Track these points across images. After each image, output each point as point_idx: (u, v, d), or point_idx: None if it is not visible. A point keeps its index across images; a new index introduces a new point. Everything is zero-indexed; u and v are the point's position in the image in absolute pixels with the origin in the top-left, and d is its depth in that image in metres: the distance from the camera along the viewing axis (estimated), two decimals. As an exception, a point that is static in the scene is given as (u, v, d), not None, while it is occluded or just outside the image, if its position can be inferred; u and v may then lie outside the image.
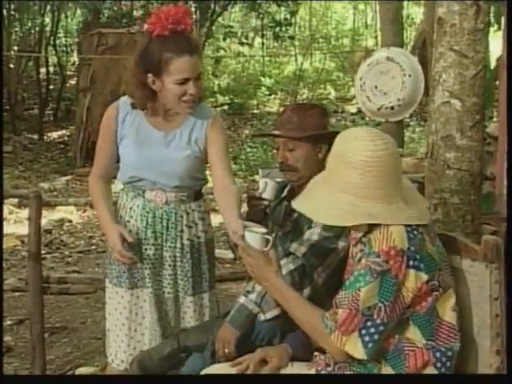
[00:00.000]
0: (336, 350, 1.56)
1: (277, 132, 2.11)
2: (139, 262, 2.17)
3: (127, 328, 2.21)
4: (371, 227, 1.60)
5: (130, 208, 2.20)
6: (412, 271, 1.53)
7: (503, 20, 2.31)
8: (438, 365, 1.59)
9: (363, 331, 1.52)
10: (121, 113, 2.17)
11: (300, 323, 1.66)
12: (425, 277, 1.54)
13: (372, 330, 1.52)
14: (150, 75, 2.05)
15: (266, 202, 2.06)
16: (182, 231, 2.18)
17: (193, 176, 2.19)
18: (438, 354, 1.59)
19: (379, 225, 1.57)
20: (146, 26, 2.09)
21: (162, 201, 2.16)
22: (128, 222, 2.20)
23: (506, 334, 1.60)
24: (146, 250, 2.17)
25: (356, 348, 1.53)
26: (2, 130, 8.18)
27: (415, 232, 1.57)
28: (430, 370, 1.59)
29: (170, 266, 2.19)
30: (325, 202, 1.60)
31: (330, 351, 1.61)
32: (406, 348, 1.58)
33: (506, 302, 1.61)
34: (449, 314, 1.60)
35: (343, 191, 1.58)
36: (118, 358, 2.24)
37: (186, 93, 2.04)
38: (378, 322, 1.52)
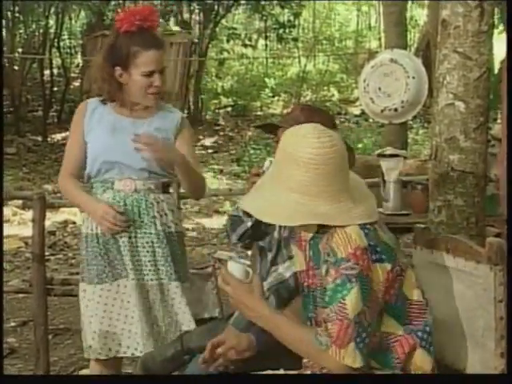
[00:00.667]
0: (335, 365, 1.51)
1: (280, 123, 2.11)
2: (117, 252, 2.22)
3: (106, 319, 2.23)
4: (319, 228, 1.59)
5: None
6: (377, 265, 1.52)
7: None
8: (423, 343, 1.58)
9: (358, 339, 1.50)
10: (89, 108, 2.27)
11: (293, 346, 1.58)
12: (388, 266, 1.53)
13: (364, 335, 1.50)
14: (117, 68, 2.18)
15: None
16: (154, 217, 2.24)
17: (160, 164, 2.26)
18: (419, 334, 1.58)
19: (326, 225, 1.56)
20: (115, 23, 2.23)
21: (131, 189, 2.23)
22: None
23: (506, 335, 1.59)
24: (122, 237, 2.21)
25: (355, 358, 1.50)
26: (2, 132, 8.19)
27: (368, 226, 1.55)
28: (419, 352, 1.58)
29: (148, 252, 2.23)
30: (271, 201, 1.57)
31: (329, 367, 1.55)
32: (391, 341, 1.57)
33: (506, 304, 1.60)
34: (415, 293, 1.60)
35: (290, 189, 1.55)
36: (105, 348, 2.24)
37: (151, 85, 2.18)
38: (365, 325, 1.51)
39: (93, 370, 2.33)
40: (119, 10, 12.32)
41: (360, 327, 1.50)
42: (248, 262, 1.69)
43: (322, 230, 1.59)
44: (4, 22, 12.07)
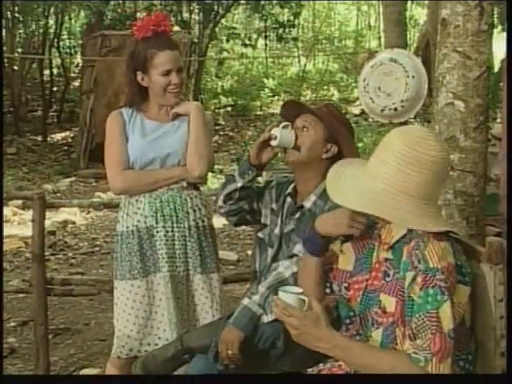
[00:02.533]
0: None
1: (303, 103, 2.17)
2: (150, 247, 2.30)
3: (132, 317, 2.27)
4: (407, 232, 1.57)
5: (137, 200, 2.34)
6: (461, 286, 1.51)
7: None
8: (463, 373, 1.56)
9: (453, 355, 1.45)
10: (125, 115, 2.39)
11: (374, 371, 1.48)
12: (469, 289, 1.53)
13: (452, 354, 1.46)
14: (138, 73, 2.33)
15: (272, 135, 2.05)
16: (188, 213, 2.35)
17: None
18: (461, 364, 1.55)
19: (413, 231, 1.54)
20: (133, 33, 2.37)
21: (166, 187, 2.33)
22: (135, 213, 2.33)
23: (506, 334, 1.59)
24: (158, 232, 2.30)
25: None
26: (2, 132, 8.18)
27: (455, 245, 1.54)
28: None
29: (181, 245, 2.32)
30: (371, 194, 1.53)
31: None
32: None
33: (506, 304, 1.60)
34: (468, 319, 1.59)
35: (407, 193, 1.52)
36: (126, 348, 2.28)
37: (170, 83, 2.31)
38: (452, 345, 1.47)
39: (109, 369, 2.36)
40: (119, 11, 12.38)
41: (454, 343, 1.45)
42: (300, 290, 1.61)
43: (409, 235, 1.57)
44: (4, 21, 12.08)
